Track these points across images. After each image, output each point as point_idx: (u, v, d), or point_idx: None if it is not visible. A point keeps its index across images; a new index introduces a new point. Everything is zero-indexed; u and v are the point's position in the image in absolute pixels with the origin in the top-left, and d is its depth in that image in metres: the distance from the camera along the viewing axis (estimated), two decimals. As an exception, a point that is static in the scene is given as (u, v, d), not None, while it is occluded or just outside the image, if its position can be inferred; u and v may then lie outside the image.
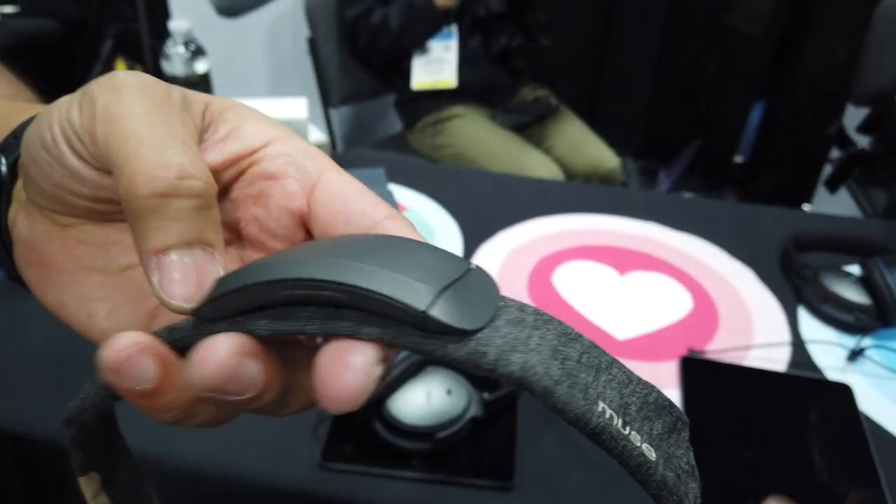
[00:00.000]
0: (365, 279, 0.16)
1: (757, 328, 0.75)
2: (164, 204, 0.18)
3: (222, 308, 0.18)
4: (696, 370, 0.68)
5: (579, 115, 1.62)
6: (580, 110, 1.64)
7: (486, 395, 0.58)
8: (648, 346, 0.73)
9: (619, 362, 0.17)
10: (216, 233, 0.19)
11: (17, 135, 0.24)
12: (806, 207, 2.00)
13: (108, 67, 2.12)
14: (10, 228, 0.23)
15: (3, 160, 0.23)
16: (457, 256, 0.18)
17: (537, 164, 1.45)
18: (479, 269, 0.18)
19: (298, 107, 0.93)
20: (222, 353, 0.17)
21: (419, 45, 1.53)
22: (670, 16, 2.22)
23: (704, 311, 0.78)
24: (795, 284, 0.80)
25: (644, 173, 1.83)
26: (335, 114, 1.78)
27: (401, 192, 0.98)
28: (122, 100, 0.19)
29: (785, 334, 0.74)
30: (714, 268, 0.85)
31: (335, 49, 1.64)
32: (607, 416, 0.16)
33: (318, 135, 1.00)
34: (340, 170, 0.22)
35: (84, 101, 0.20)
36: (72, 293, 0.22)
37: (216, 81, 1.68)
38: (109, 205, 0.21)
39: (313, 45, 1.63)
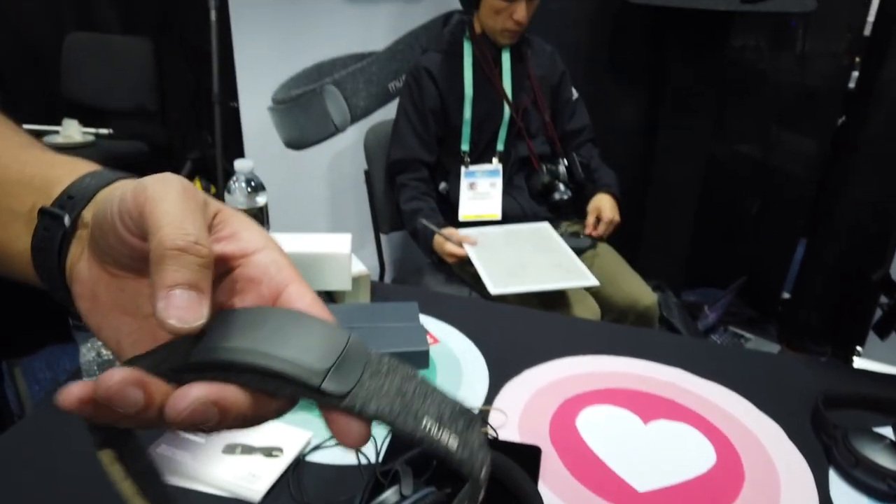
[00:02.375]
0: (289, 367, 0.26)
1: (784, 489, 0.73)
2: (180, 255, 0.26)
3: (201, 367, 0.26)
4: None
5: (621, 250, 1.66)
6: (622, 245, 1.68)
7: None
8: (668, 500, 0.72)
9: (438, 389, 0.27)
10: (209, 286, 0.27)
11: (71, 194, 0.33)
12: (858, 349, 1.94)
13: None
14: (70, 268, 0.32)
15: (67, 217, 0.32)
16: (341, 331, 0.28)
17: (574, 298, 1.48)
18: (354, 339, 0.27)
19: (343, 242, 1.00)
20: (193, 395, 0.25)
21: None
22: (712, 154, 2.29)
23: (729, 467, 0.77)
24: (826, 444, 0.78)
25: (688, 308, 1.83)
26: (385, 240, 1.87)
27: (433, 325, 1.03)
28: (165, 189, 0.28)
29: (813, 498, 0.72)
30: (741, 421, 0.84)
31: (387, 181, 1.77)
32: (429, 426, 0.25)
33: (359, 266, 1.07)
34: (302, 283, 0.30)
35: (138, 188, 0.28)
36: (109, 325, 0.31)
37: (286, 200, 1.82)
38: (144, 264, 0.28)
39: (368, 177, 1.76)
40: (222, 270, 0.30)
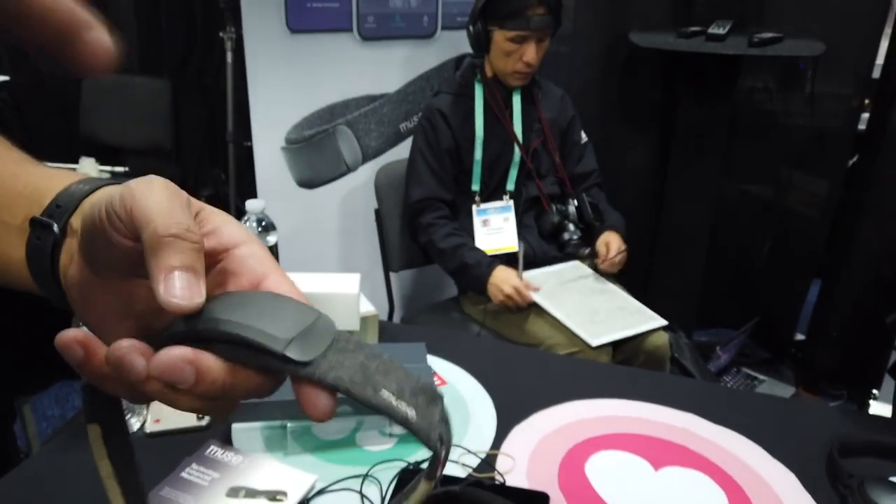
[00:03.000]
0: (255, 334, 0.28)
1: (799, 541, 0.71)
2: (175, 241, 0.28)
3: (179, 338, 0.29)
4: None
5: (631, 290, 1.65)
6: (632, 285, 1.67)
7: None
8: (679, 552, 0.70)
9: (403, 368, 0.29)
10: (202, 268, 0.29)
11: (58, 203, 0.35)
12: (875, 392, 1.90)
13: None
14: (62, 272, 0.34)
15: (56, 225, 0.34)
16: (312, 309, 0.30)
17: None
18: (324, 317, 0.30)
19: (352, 282, 1.01)
20: (172, 353, 0.27)
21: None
22: (722, 195, 2.29)
23: (742, 517, 0.75)
24: (841, 494, 0.76)
25: (699, 349, 1.81)
26: (395, 278, 1.88)
27: (441, 365, 1.02)
28: (151, 188, 0.30)
29: (830, 551, 0.70)
30: (754, 468, 0.82)
31: (398, 221, 1.78)
32: (387, 397, 0.27)
33: (368, 306, 1.07)
34: (281, 273, 0.32)
35: (125, 190, 0.30)
36: (104, 326, 0.33)
37: (297, 238, 1.84)
38: (133, 266, 0.30)
39: (379, 216, 1.78)
40: (208, 262, 0.31)
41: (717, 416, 0.92)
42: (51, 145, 2.64)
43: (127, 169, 2.56)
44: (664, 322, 1.49)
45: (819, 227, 2.26)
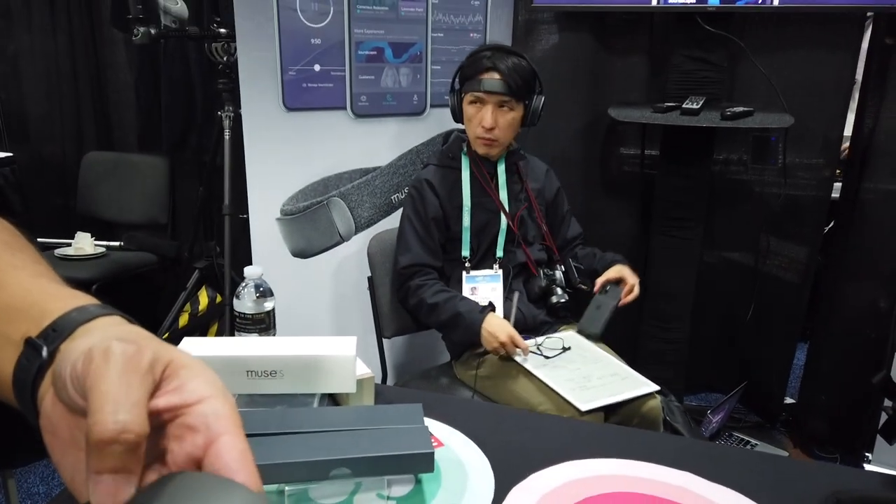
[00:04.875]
0: None
1: None
2: (106, 446, 0.29)
3: None
4: None
5: (620, 355, 1.68)
6: (621, 352, 1.70)
7: None
8: None
9: None
10: (137, 465, 0.30)
11: (55, 327, 0.36)
12: (868, 455, 1.90)
13: (193, 296, 2.36)
14: (40, 400, 0.35)
15: (46, 348, 0.35)
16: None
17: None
18: None
19: (348, 345, 1.03)
20: None
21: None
22: (704, 262, 2.36)
23: (741, 572, 0.75)
24: (837, 547, 0.77)
25: (690, 414, 1.81)
26: (388, 344, 1.89)
27: (437, 428, 1.03)
28: (107, 366, 0.31)
29: None
30: (750, 524, 0.83)
31: (389, 288, 1.81)
32: None
33: (364, 369, 1.09)
34: (236, 434, 0.33)
35: (86, 360, 0.32)
36: (67, 459, 0.34)
37: (292, 306, 1.85)
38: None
39: (371, 283, 1.81)
40: (166, 419, 0.33)
41: (713, 475, 0.93)
42: (48, 220, 2.68)
43: (122, 243, 2.60)
44: (655, 388, 1.51)
45: (800, 291, 2.32)
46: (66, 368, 0.33)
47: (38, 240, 2.29)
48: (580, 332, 1.68)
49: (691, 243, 2.22)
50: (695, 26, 2.02)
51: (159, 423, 0.33)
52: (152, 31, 2.05)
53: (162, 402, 0.32)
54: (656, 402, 1.51)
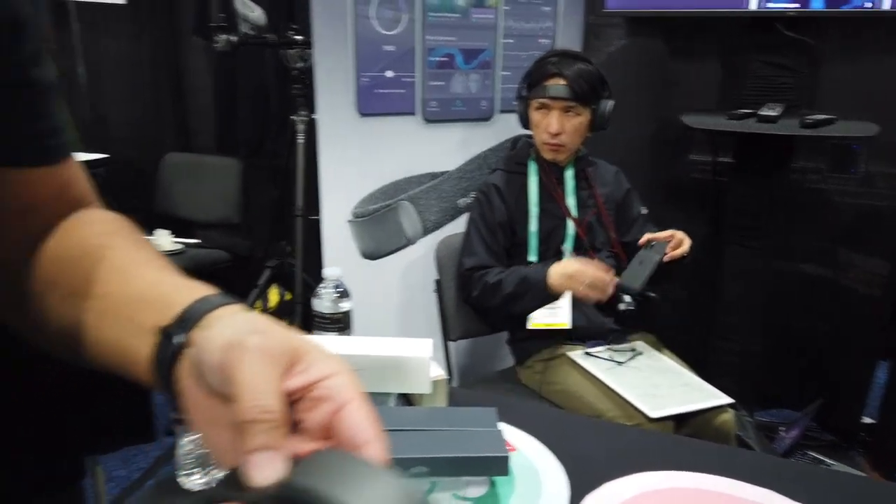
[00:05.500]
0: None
1: None
2: (253, 425, 0.33)
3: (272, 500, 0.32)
4: None
5: (690, 366, 1.65)
6: (691, 361, 1.67)
7: None
8: None
9: None
10: (282, 440, 0.34)
11: (184, 317, 0.40)
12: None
13: (263, 293, 2.45)
14: (178, 381, 0.39)
15: (177, 337, 0.40)
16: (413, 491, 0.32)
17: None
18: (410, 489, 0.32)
19: (424, 347, 1.05)
20: None
21: (526, 313, 1.67)
22: (779, 274, 2.28)
23: None
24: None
25: (762, 430, 1.76)
26: (454, 347, 1.91)
27: (509, 432, 1.03)
28: (244, 358, 0.35)
29: None
30: (836, 545, 0.80)
31: (456, 291, 1.83)
32: None
33: (438, 370, 1.11)
34: (362, 401, 0.36)
35: (225, 351, 0.35)
36: (210, 432, 0.38)
37: (360, 306, 1.90)
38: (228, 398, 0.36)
39: (439, 286, 1.83)
40: (299, 396, 0.37)
41: (791, 493, 0.90)
42: (129, 217, 2.82)
43: (199, 241, 2.72)
44: (729, 400, 1.48)
45: (881, 305, 2.21)
46: (204, 358, 0.37)
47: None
48: (619, 288, 1.61)
49: (765, 254, 2.16)
50: (773, 31, 1.97)
51: (293, 400, 0.36)
52: (232, 39, 2.13)
53: (294, 382, 0.36)
54: (729, 415, 1.47)
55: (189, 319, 0.40)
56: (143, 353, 0.41)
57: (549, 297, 1.61)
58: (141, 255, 0.50)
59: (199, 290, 0.43)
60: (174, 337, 0.40)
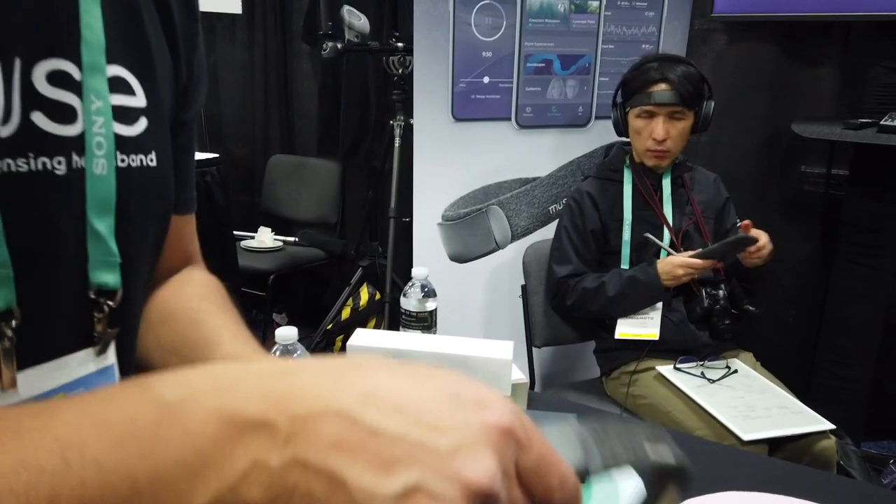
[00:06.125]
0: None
1: None
2: None
3: None
4: None
5: (791, 389, 1.55)
6: (793, 386, 1.57)
7: None
8: None
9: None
10: None
11: None
12: None
13: (355, 291, 2.53)
14: None
15: None
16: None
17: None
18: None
19: (505, 349, 1.05)
20: None
21: (631, 314, 1.64)
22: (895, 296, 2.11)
23: None
24: None
25: (869, 461, 1.63)
26: (537, 353, 1.90)
27: (591, 440, 1.02)
28: None
29: None
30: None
31: (543, 299, 1.82)
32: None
33: (518, 374, 1.11)
34: None
35: None
36: None
37: (446, 307, 1.94)
38: None
39: (525, 292, 1.83)
40: None
41: (898, 528, 0.84)
42: (237, 214, 3.00)
43: (297, 239, 2.85)
44: (830, 426, 1.38)
45: None
46: None
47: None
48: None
49: (882, 273, 2.00)
50: (900, 34, 1.83)
51: None
52: (338, 46, 2.23)
53: None
54: (830, 442, 1.38)
55: None
56: None
57: (662, 294, 1.61)
58: (225, 321, 0.59)
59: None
60: None
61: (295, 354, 0.91)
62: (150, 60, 0.49)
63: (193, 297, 0.61)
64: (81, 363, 0.46)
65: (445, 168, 1.98)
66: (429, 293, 1.26)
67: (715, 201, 1.75)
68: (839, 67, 2.18)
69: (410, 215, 2.01)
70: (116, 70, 0.46)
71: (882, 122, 1.80)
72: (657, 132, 1.60)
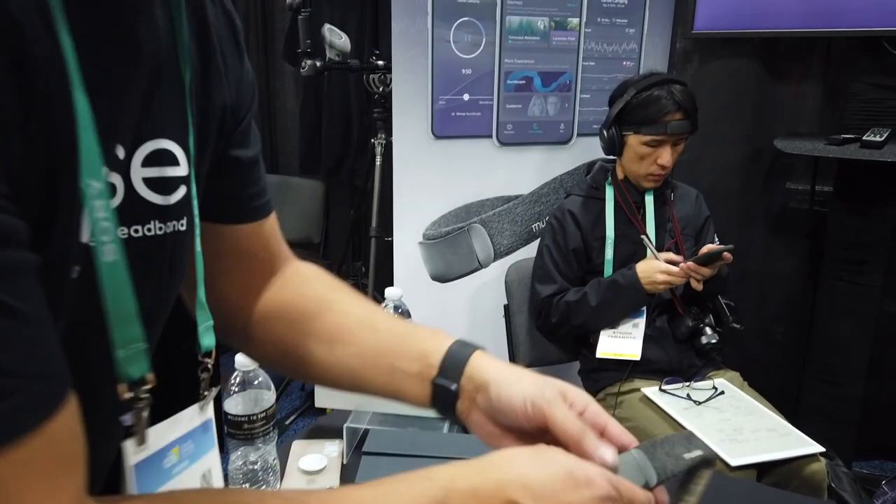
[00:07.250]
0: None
1: None
2: (584, 436, 0.51)
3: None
4: None
5: (779, 408, 1.52)
6: (781, 406, 1.53)
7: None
8: None
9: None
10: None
11: (447, 367, 0.55)
12: None
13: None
14: (462, 413, 0.55)
15: (454, 384, 0.55)
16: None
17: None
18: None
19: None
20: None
21: (614, 324, 1.62)
22: (883, 312, 2.09)
23: None
24: None
25: (860, 482, 1.59)
26: (521, 375, 1.86)
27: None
28: (551, 407, 0.52)
29: None
30: None
31: (526, 318, 1.79)
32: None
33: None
34: (616, 424, 0.55)
35: (534, 403, 0.52)
36: (495, 444, 0.55)
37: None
38: (522, 439, 0.54)
39: (507, 311, 1.79)
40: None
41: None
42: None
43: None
44: (820, 448, 1.34)
45: None
46: (501, 408, 0.53)
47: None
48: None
49: (870, 290, 1.98)
50: (881, 51, 1.82)
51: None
52: (318, 64, 2.21)
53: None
54: (821, 465, 1.34)
55: (451, 369, 0.55)
56: (413, 391, 0.56)
57: (644, 298, 1.59)
58: (370, 306, 0.64)
59: (435, 337, 0.57)
60: (449, 386, 0.54)
61: (256, 381, 0.87)
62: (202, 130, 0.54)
63: (325, 290, 0.66)
64: (191, 418, 0.55)
65: (426, 186, 1.95)
66: (403, 314, 1.22)
67: (696, 219, 1.73)
68: (821, 83, 2.18)
69: (392, 234, 1.98)
70: (164, 144, 0.49)
71: (864, 138, 1.79)
72: (664, 159, 1.58)
